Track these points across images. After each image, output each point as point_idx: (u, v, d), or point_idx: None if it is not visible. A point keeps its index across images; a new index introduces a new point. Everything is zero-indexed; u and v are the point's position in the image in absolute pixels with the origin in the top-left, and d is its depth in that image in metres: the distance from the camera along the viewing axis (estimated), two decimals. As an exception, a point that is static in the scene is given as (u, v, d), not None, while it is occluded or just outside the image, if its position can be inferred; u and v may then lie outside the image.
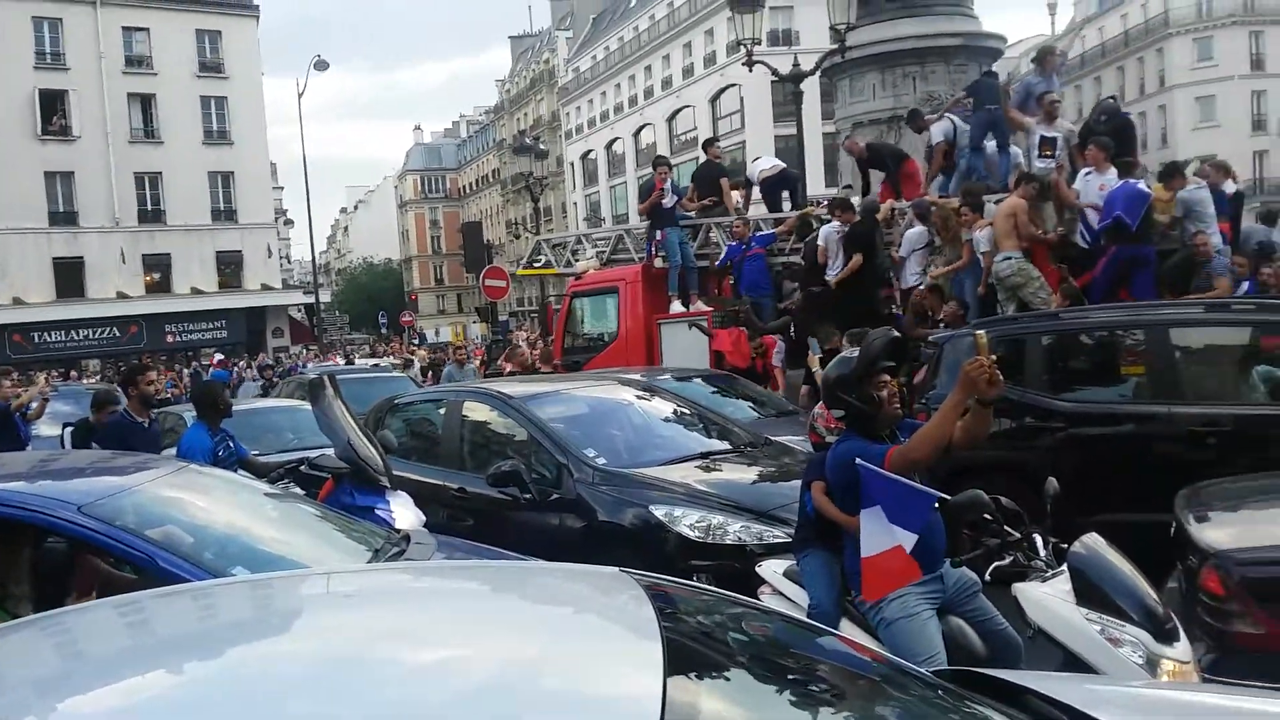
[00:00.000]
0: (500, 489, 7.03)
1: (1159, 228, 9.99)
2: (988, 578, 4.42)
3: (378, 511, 6.03)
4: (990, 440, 4.79)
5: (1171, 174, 10.41)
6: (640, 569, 2.98)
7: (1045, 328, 8.44)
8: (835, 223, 12.12)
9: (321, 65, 38.59)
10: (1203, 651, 4.40)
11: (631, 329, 13.86)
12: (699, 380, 10.57)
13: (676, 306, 13.67)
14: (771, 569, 5.18)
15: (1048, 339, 8.26)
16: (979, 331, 4.13)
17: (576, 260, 16.80)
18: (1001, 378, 3.87)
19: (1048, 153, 11.03)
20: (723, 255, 13.89)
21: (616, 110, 66.32)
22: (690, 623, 2.49)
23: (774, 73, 17.54)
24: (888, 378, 4.34)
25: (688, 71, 58.52)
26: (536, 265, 18.52)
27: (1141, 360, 7.86)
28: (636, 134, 63.70)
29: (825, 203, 14.10)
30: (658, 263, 14.01)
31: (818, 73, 17.14)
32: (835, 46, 15.81)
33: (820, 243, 12.15)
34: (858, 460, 4.03)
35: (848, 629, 4.37)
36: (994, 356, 3.88)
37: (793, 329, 12.30)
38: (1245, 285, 9.77)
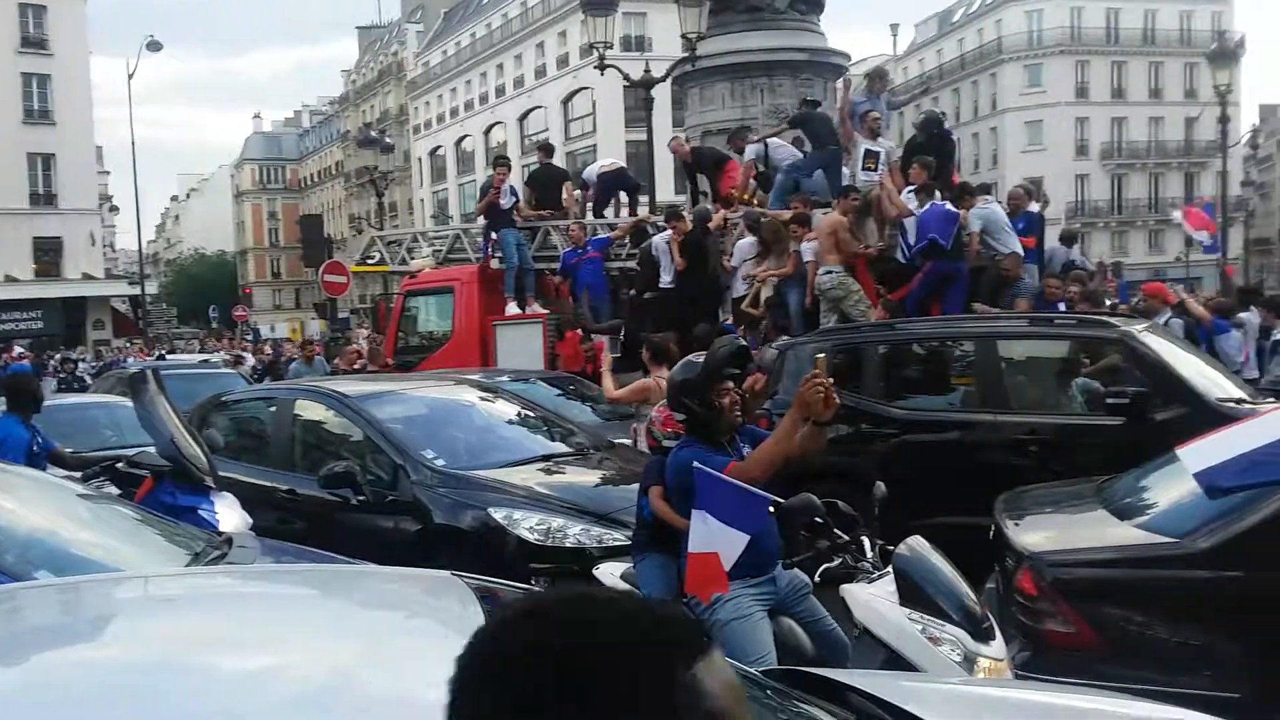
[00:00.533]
0: (332, 491, 6.83)
1: (970, 244, 10.51)
2: (818, 579, 4.52)
3: (200, 513, 5.79)
4: (828, 445, 4.91)
5: (961, 194, 10.96)
6: (479, 572, 2.94)
7: (881, 338, 8.74)
8: (668, 231, 12.23)
9: (154, 46, 36.91)
10: (1017, 649, 4.59)
11: (466, 329, 13.66)
12: (542, 382, 10.53)
13: (512, 308, 13.53)
14: (609, 572, 5.18)
15: (883, 348, 8.56)
16: (819, 356, 4.19)
17: (412, 258, 16.48)
18: (837, 400, 3.93)
19: (870, 165, 11.46)
20: (560, 262, 13.82)
21: (467, 107, 65.42)
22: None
23: (626, 78, 17.64)
24: (731, 385, 4.39)
25: (540, 72, 58.23)
26: (370, 262, 18.12)
27: (970, 370, 8.22)
28: (487, 132, 62.96)
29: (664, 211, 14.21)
30: (494, 263, 13.86)
31: (669, 80, 17.32)
32: (686, 55, 16.01)
33: (653, 252, 12.23)
34: (695, 464, 4.07)
35: (682, 631, 4.39)
36: (831, 380, 3.95)
37: (623, 334, 12.34)
38: (1061, 305, 10.33)
